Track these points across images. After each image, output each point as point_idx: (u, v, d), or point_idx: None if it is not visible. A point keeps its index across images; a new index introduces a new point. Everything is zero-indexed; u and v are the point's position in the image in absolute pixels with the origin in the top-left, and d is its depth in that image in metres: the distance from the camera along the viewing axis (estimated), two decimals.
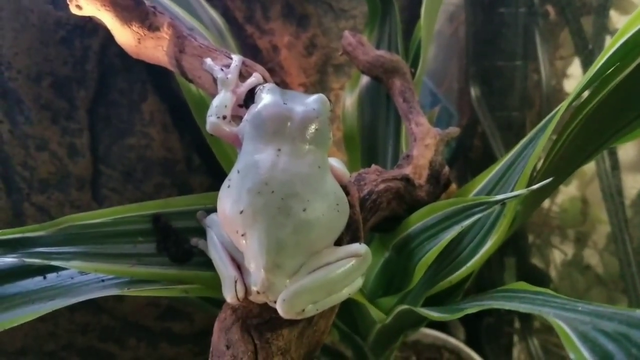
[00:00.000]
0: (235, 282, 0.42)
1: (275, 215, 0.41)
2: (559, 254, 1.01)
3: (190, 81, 0.54)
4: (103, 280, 0.47)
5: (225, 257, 0.44)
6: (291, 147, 0.43)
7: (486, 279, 1.00)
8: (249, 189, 0.42)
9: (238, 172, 0.43)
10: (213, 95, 0.51)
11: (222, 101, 0.47)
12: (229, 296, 0.42)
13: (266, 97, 0.45)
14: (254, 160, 0.43)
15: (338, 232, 0.45)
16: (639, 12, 0.46)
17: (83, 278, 0.47)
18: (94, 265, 0.45)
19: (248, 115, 0.45)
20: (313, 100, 0.45)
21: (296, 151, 0.43)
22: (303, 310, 0.41)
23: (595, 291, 1.00)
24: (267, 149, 0.43)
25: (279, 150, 0.43)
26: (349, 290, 0.44)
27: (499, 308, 0.38)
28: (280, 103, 0.44)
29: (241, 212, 0.41)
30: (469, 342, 0.92)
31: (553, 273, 1.02)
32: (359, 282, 0.45)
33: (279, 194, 0.42)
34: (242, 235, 0.41)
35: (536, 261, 1.01)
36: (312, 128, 0.44)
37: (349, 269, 0.43)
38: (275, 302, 0.41)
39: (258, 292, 0.41)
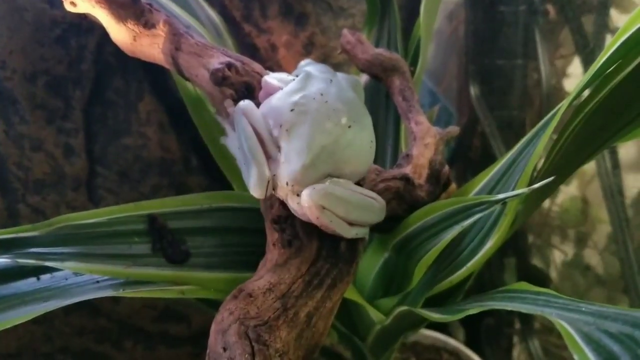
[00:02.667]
0: (268, 180, 0.44)
1: (324, 122, 0.45)
2: (560, 254, 1.01)
3: (187, 79, 0.53)
4: (98, 282, 0.46)
5: (258, 148, 0.44)
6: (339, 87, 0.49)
7: (486, 280, 0.99)
8: (305, 94, 0.46)
9: (294, 79, 0.48)
10: (210, 93, 0.51)
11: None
12: (259, 191, 0.44)
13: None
14: (310, 79, 0.48)
15: (364, 168, 0.49)
16: None
17: (77, 279, 0.47)
18: (88, 266, 0.45)
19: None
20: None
21: (346, 88, 0.49)
22: (323, 208, 0.43)
23: (596, 291, 0.99)
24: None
25: (331, 81, 0.48)
26: (357, 231, 0.47)
27: (500, 309, 0.38)
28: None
29: (292, 110, 0.45)
30: (468, 343, 0.91)
31: (553, 273, 1.01)
32: (365, 231, 0.48)
33: (332, 105, 0.46)
34: (287, 130, 0.44)
35: (536, 261, 1.01)
36: (353, 84, 0.51)
37: (367, 203, 0.47)
38: (299, 195, 0.43)
39: (287, 184, 0.43)
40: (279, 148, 0.45)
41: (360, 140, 0.47)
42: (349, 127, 0.46)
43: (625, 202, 0.86)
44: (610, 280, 0.97)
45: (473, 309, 0.40)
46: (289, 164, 0.44)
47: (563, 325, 0.30)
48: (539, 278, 0.99)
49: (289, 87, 0.47)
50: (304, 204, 0.43)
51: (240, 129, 0.45)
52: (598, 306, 0.35)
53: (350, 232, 0.47)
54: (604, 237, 0.97)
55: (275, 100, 0.47)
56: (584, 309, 0.35)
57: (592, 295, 1.00)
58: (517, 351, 1.02)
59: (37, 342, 0.79)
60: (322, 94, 0.46)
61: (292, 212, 0.45)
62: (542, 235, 1.01)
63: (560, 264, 1.01)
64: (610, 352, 0.27)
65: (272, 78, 0.50)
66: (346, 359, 0.78)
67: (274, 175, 0.44)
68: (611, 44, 0.47)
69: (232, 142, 0.48)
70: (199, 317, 0.85)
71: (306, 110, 0.45)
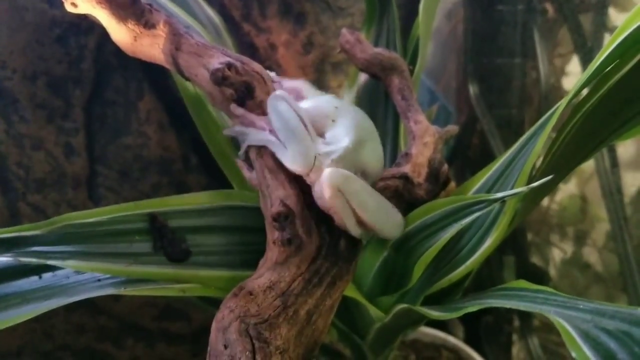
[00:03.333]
0: (315, 155, 0.47)
1: (362, 121, 0.53)
2: (559, 252, 1.01)
3: (187, 79, 0.53)
4: (99, 280, 0.47)
5: (302, 127, 0.48)
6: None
7: (485, 278, 1.00)
8: (342, 102, 0.54)
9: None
10: (209, 93, 0.51)
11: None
12: (303, 163, 0.46)
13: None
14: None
15: (379, 174, 0.54)
16: (638, 10, 0.46)
17: (79, 277, 0.47)
18: (90, 264, 0.45)
19: None
20: None
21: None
22: (339, 191, 0.46)
23: (595, 289, 1.00)
24: None
25: None
26: (362, 232, 0.49)
27: (499, 307, 0.38)
28: None
29: (336, 107, 0.52)
30: (468, 341, 0.91)
31: (552, 271, 1.01)
32: (369, 236, 0.52)
33: (363, 114, 0.55)
34: (333, 120, 0.51)
35: (535, 259, 1.01)
36: None
37: (388, 208, 0.52)
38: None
39: (329, 161, 0.47)
40: (322, 134, 0.50)
41: (381, 148, 0.54)
42: (376, 131, 0.54)
43: (624, 200, 0.87)
44: (609, 278, 0.97)
45: (472, 307, 0.40)
46: (335, 144, 0.48)
47: (561, 322, 0.30)
48: (538, 276, 0.99)
49: (325, 97, 0.55)
50: (323, 180, 0.46)
51: (279, 112, 0.48)
52: (596, 304, 0.35)
53: (355, 229, 0.48)
54: (603, 235, 0.97)
55: (316, 101, 0.53)
56: (581, 306, 0.35)
57: (591, 293, 1.00)
58: (516, 349, 1.02)
59: (38, 340, 0.79)
60: (354, 107, 0.55)
61: (314, 196, 0.47)
62: (541, 233, 1.01)
63: (559, 262, 1.01)
64: (608, 349, 0.27)
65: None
66: (346, 356, 0.78)
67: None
68: (609, 42, 0.47)
69: (257, 131, 0.49)
70: (200, 315, 0.85)
71: (347, 110, 0.52)
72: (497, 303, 0.41)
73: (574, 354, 0.27)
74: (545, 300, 0.39)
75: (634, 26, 0.45)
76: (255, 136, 0.49)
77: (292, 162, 0.47)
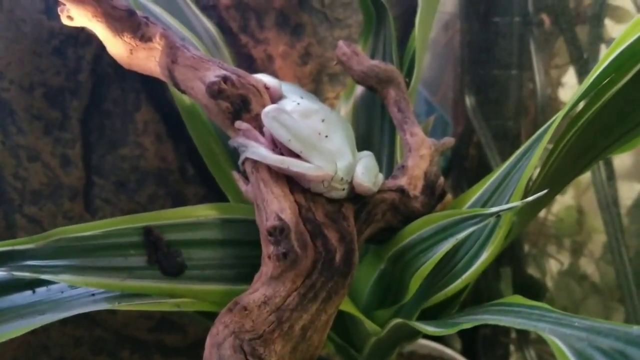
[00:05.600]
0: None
1: (348, 132, 0.55)
2: (555, 263, 1.01)
3: (183, 92, 0.53)
4: (94, 294, 0.46)
5: (315, 134, 0.51)
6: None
7: (482, 289, 0.99)
8: (323, 107, 0.55)
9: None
10: (206, 106, 0.51)
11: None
12: (332, 169, 0.49)
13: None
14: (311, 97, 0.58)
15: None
16: (635, 23, 0.46)
17: (73, 292, 0.47)
18: (83, 279, 0.45)
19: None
20: None
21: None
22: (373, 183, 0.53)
23: (592, 301, 0.99)
24: None
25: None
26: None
27: (495, 324, 0.38)
28: None
29: (323, 120, 0.53)
30: (465, 353, 0.91)
31: (549, 282, 1.01)
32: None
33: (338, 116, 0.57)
34: (326, 136, 0.52)
35: (532, 271, 1.01)
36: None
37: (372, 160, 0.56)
38: (350, 182, 0.51)
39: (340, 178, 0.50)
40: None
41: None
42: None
43: (620, 211, 0.87)
44: (606, 289, 0.97)
45: (468, 324, 0.40)
46: (340, 161, 0.51)
47: (555, 341, 0.30)
48: (535, 288, 0.99)
49: (305, 102, 0.54)
50: (364, 186, 0.52)
51: (288, 125, 0.49)
52: (591, 321, 0.35)
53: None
54: (600, 246, 0.97)
55: (300, 112, 0.52)
56: (577, 323, 0.35)
57: (588, 304, 0.99)
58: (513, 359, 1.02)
59: (34, 352, 0.79)
60: (331, 110, 0.55)
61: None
62: (537, 245, 1.01)
63: (556, 273, 1.01)
64: None
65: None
66: None
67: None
68: (606, 55, 0.48)
69: (260, 147, 0.49)
70: (195, 328, 0.85)
71: (334, 123, 0.54)
72: (493, 320, 0.41)
73: None
74: (541, 316, 0.39)
75: (631, 39, 0.46)
76: (258, 151, 0.49)
77: (317, 170, 0.48)
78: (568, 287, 1.01)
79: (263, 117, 0.50)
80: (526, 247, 1.01)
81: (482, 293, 0.99)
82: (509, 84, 0.93)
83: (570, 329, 0.34)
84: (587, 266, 0.99)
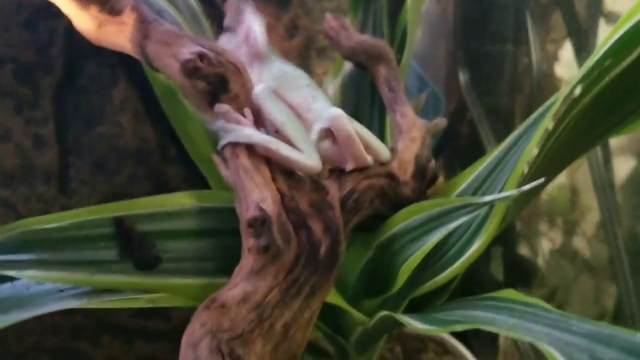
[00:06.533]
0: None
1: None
2: (547, 242, 1.00)
3: (157, 70, 0.50)
4: (62, 290, 0.44)
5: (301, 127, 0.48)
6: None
7: (473, 269, 0.98)
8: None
9: None
10: (181, 85, 0.48)
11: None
12: (315, 163, 0.46)
13: None
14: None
15: None
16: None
17: (40, 288, 0.44)
18: (50, 274, 0.42)
19: None
20: None
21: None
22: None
23: (584, 279, 0.99)
24: None
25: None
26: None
27: (487, 329, 0.36)
28: None
29: (308, 84, 0.53)
30: (454, 333, 0.90)
31: (541, 261, 1.00)
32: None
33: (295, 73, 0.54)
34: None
35: (524, 250, 1.00)
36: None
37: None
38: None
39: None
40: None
41: None
42: None
43: (614, 188, 0.85)
44: (599, 267, 0.96)
45: (458, 325, 0.38)
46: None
47: (554, 354, 0.27)
48: (526, 267, 0.98)
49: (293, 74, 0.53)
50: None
51: (281, 109, 0.48)
52: (590, 324, 0.33)
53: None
54: (593, 224, 0.95)
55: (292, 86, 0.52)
56: (575, 327, 0.33)
57: (580, 283, 0.99)
58: (502, 340, 1.01)
59: (8, 341, 0.76)
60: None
61: None
62: (529, 224, 1.00)
63: (547, 252, 1.00)
64: None
65: None
66: (330, 354, 0.76)
67: None
68: (609, 36, 0.45)
69: (245, 128, 0.46)
70: (179, 312, 0.83)
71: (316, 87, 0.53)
72: (486, 318, 0.39)
73: None
74: (536, 317, 0.37)
75: (635, 19, 0.43)
76: (243, 132, 0.45)
77: (307, 160, 0.46)
78: (560, 266, 1.00)
79: (258, 96, 0.47)
80: (518, 226, 0.99)
81: (472, 273, 0.98)
82: (504, 59, 0.90)
83: (569, 334, 0.32)
84: (580, 245, 0.98)
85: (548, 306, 0.38)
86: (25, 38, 0.69)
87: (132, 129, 0.75)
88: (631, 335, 0.30)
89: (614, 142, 0.87)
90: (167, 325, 0.83)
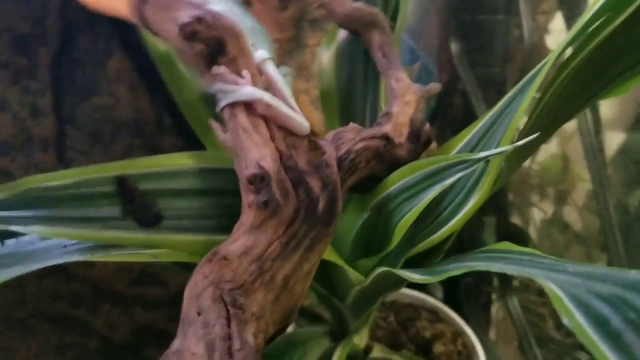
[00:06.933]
0: None
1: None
2: (539, 212, 1.01)
3: (155, 34, 0.50)
4: (65, 246, 0.44)
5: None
6: None
7: (466, 239, 0.99)
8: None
9: None
10: (179, 49, 0.48)
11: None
12: (307, 124, 0.47)
13: None
14: None
15: None
16: None
17: (44, 244, 0.45)
18: (55, 229, 0.43)
19: None
20: None
21: None
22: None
23: (575, 249, 1.00)
24: None
25: None
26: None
27: (484, 270, 0.37)
28: None
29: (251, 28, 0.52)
30: (447, 301, 0.91)
31: (532, 231, 1.01)
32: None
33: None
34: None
35: (516, 220, 1.01)
36: None
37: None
38: None
39: None
40: None
41: None
42: None
43: (605, 159, 0.86)
44: (590, 237, 0.98)
45: (456, 271, 0.39)
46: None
47: (552, 287, 0.29)
48: (519, 236, 0.99)
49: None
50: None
51: (280, 79, 0.48)
52: (584, 266, 0.34)
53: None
54: (584, 194, 0.97)
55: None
56: (570, 269, 0.34)
57: (571, 252, 1.00)
58: (495, 308, 1.03)
59: (10, 307, 0.77)
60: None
61: None
62: (521, 194, 1.01)
63: (539, 222, 1.01)
64: (600, 314, 0.25)
65: None
66: (325, 319, 0.77)
67: None
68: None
69: (245, 87, 0.47)
70: (177, 280, 0.84)
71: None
72: (482, 266, 0.40)
73: (565, 321, 0.26)
74: (532, 262, 0.38)
75: None
76: (243, 91, 0.46)
77: (304, 122, 0.47)
78: (551, 236, 1.01)
79: (266, 66, 0.48)
80: (510, 196, 1.00)
81: (465, 242, 0.99)
82: (495, 30, 0.90)
83: (564, 274, 0.33)
84: (571, 215, 0.99)
85: (543, 254, 0.40)
86: (20, 8, 0.68)
87: (128, 99, 0.75)
88: (626, 272, 0.31)
89: (605, 116, 0.88)
90: (165, 294, 0.84)
